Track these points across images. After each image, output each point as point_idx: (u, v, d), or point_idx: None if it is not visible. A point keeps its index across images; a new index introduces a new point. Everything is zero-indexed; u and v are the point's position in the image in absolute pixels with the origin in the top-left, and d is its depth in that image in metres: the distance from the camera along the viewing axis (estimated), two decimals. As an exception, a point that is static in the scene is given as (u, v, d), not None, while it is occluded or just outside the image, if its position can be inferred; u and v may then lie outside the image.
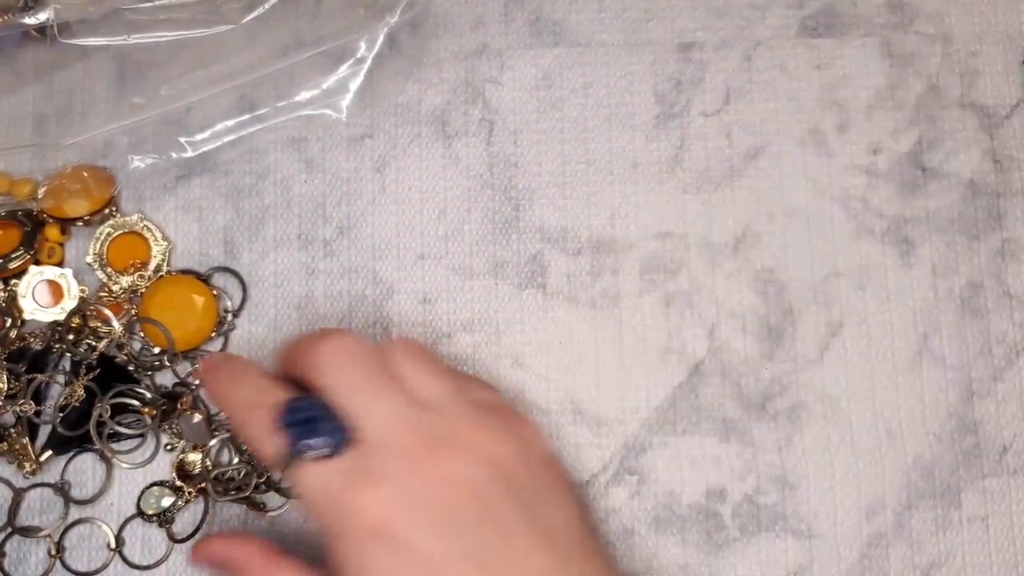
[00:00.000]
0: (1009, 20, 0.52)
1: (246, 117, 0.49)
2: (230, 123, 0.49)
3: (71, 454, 0.47)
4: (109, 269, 0.48)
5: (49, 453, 0.46)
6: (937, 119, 0.51)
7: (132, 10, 0.46)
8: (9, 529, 0.46)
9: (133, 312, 0.47)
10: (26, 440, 0.46)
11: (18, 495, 0.46)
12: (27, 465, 0.46)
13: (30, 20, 0.45)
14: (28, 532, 0.46)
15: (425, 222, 0.50)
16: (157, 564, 0.46)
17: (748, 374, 0.48)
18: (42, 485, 0.46)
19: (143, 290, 0.47)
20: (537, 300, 0.49)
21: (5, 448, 0.46)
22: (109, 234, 0.48)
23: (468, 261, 0.49)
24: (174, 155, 0.48)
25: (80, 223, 0.48)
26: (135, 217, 0.48)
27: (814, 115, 0.51)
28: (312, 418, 0.35)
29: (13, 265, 0.47)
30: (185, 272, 0.48)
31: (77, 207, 0.47)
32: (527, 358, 0.48)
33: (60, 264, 0.48)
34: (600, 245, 0.49)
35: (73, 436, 0.46)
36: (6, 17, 0.45)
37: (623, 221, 0.50)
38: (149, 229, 0.48)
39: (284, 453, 0.35)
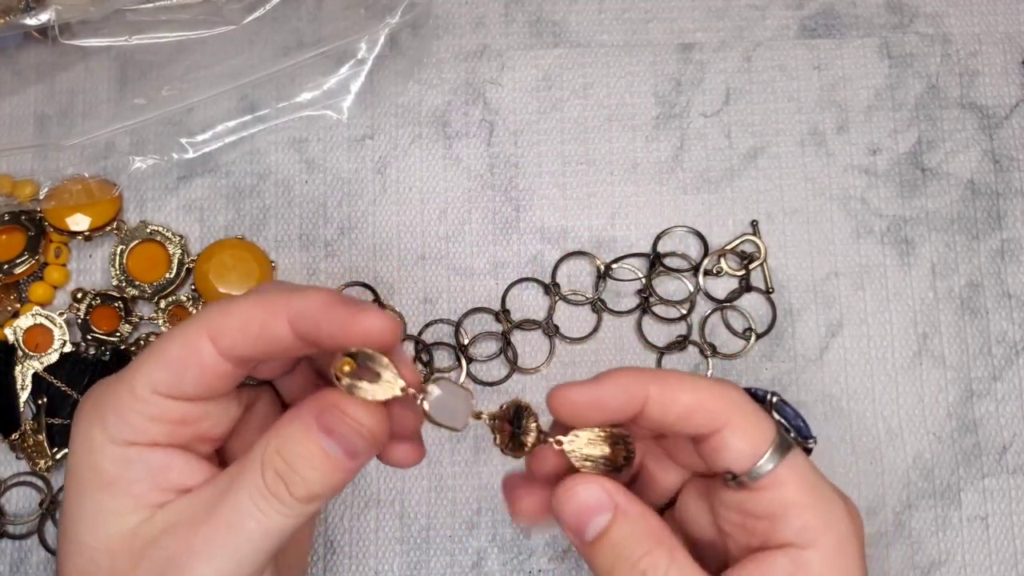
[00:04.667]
0: (1008, 21, 0.52)
1: (247, 118, 0.49)
2: (231, 124, 0.49)
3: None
4: (137, 282, 0.48)
5: (65, 451, 0.46)
6: (936, 119, 0.51)
7: (133, 11, 0.46)
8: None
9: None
10: (42, 437, 0.46)
11: None
12: (42, 462, 0.46)
13: (31, 21, 0.45)
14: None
15: (426, 222, 0.50)
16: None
17: (748, 374, 0.48)
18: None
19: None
20: (537, 299, 0.49)
21: (20, 443, 0.46)
22: (123, 250, 0.48)
23: (469, 261, 0.49)
24: (175, 156, 0.48)
25: (80, 238, 0.48)
26: (139, 224, 0.49)
27: (814, 115, 0.51)
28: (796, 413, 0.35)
29: (19, 270, 0.47)
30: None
31: (79, 222, 0.48)
32: (526, 358, 0.48)
33: (66, 264, 0.48)
34: (600, 245, 0.49)
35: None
36: (8, 18, 0.45)
37: (623, 221, 0.50)
38: (157, 231, 0.48)
39: (778, 436, 0.31)
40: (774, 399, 0.37)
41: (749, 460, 0.30)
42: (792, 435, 0.33)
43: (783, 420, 0.34)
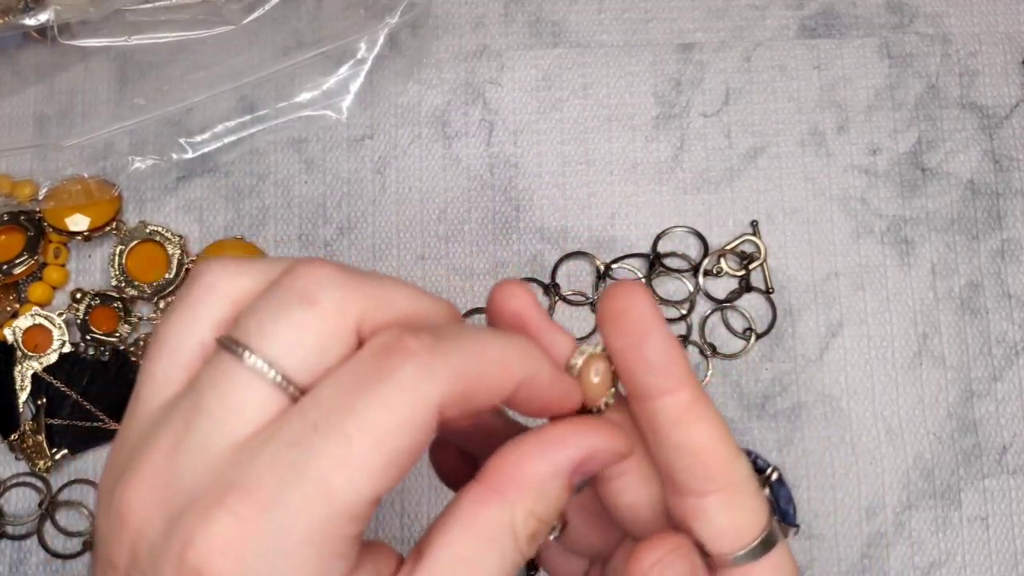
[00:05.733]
0: (1008, 20, 0.52)
1: (246, 118, 0.49)
2: (230, 124, 0.49)
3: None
4: (136, 282, 0.48)
5: (65, 452, 0.46)
6: (936, 119, 0.51)
7: (133, 11, 0.46)
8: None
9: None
10: (41, 437, 0.46)
11: None
12: (41, 462, 0.46)
13: (31, 21, 0.45)
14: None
15: (425, 222, 0.50)
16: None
17: (748, 374, 0.48)
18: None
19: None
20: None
21: (19, 444, 0.46)
22: (122, 251, 0.48)
23: (469, 261, 0.49)
24: (175, 156, 0.48)
25: (80, 238, 0.48)
26: (138, 224, 0.49)
27: (814, 115, 0.51)
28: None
29: (18, 270, 0.47)
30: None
31: (78, 222, 0.48)
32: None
33: (65, 264, 0.48)
34: (600, 245, 0.49)
35: (89, 434, 0.46)
36: (7, 18, 0.45)
37: (623, 221, 0.50)
38: (157, 231, 0.48)
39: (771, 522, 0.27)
40: (774, 475, 0.34)
41: (728, 545, 0.25)
42: (776, 517, 0.29)
43: (773, 499, 0.30)
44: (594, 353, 0.25)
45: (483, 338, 0.23)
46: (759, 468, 0.30)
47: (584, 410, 0.25)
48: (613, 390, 0.25)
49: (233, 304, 0.23)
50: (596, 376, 0.25)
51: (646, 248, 0.49)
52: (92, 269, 0.49)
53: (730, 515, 0.25)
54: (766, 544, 0.26)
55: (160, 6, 0.47)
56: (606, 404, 0.25)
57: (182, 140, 0.48)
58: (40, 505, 0.46)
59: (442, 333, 0.23)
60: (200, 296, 0.23)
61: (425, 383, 0.21)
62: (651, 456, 0.26)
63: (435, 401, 0.21)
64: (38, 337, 0.47)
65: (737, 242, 0.49)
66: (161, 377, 0.23)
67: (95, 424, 0.47)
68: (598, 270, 0.49)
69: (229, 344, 0.22)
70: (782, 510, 0.31)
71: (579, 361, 0.25)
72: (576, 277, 0.49)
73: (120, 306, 0.47)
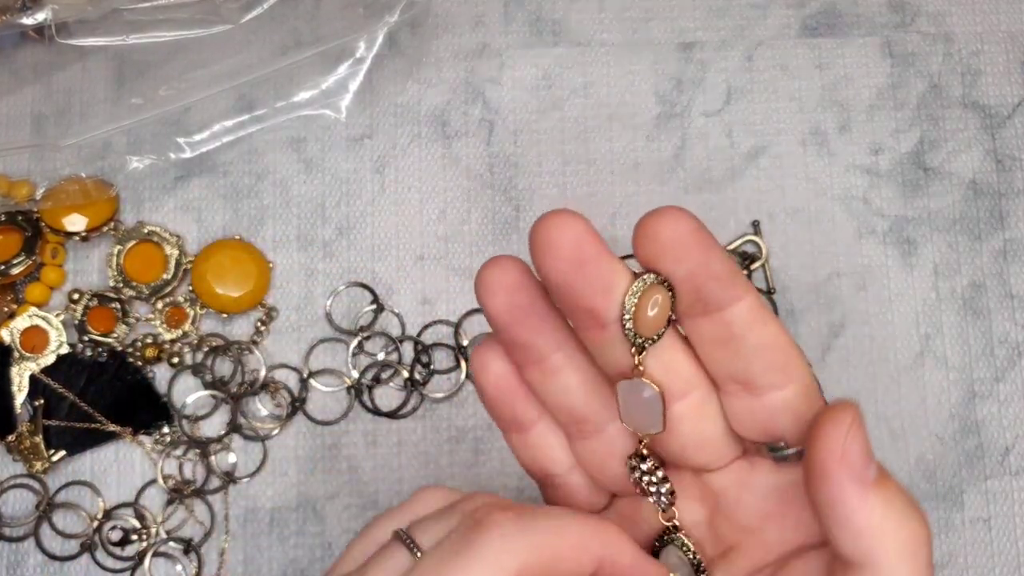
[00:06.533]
0: (1011, 20, 0.52)
1: (245, 117, 0.49)
2: (229, 123, 0.49)
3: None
4: (134, 283, 0.47)
5: (63, 453, 0.46)
6: (939, 119, 0.51)
7: (130, 10, 0.46)
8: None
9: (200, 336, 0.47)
10: (38, 439, 0.46)
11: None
12: (38, 464, 0.46)
13: (28, 20, 0.45)
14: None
15: (425, 223, 0.49)
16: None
17: (749, 375, 0.48)
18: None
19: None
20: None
21: (16, 445, 0.46)
22: (120, 251, 0.48)
23: (468, 262, 0.49)
24: (172, 156, 0.48)
25: (77, 238, 0.48)
26: (135, 224, 0.48)
27: (815, 115, 0.51)
28: None
29: (15, 271, 0.47)
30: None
31: (75, 222, 0.47)
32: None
33: (63, 264, 0.48)
34: (601, 246, 0.49)
35: (86, 435, 0.46)
36: (4, 17, 0.45)
37: (624, 221, 0.49)
38: (155, 232, 0.48)
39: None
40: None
41: None
42: None
43: None
44: (653, 284, 0.26)
45: (565, 520, 0.27)
46: None
47: (639, 342, 0.26)
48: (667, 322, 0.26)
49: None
50: (653, 308, 0.26)
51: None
52: (90, 269, 0.49)
53: (810, 405, 0.27)
54: None
55: (158, 5, 0.46)
56: (658, 336, 0.26)
57: (180, 139, 0.48)
58: (37, 507, 0.46)
59: (529, 510, 0.26)
60: (404, 510, 0.29)
61: (504, 554, 0.25)
62: (717, 371, 0.27)
63: (513, 570, 0.25)
64: (35, 338, 0.47)
65: (739, 242, 0.49)
66: (351, 556, 0.28)
67: (93, 425, 0.47)
68: (599, 270, 0.49)
69: (401, 535, 0.27)
70: None
71: (637, 294, 0.26)
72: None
73: (118, 307, 0.47)
